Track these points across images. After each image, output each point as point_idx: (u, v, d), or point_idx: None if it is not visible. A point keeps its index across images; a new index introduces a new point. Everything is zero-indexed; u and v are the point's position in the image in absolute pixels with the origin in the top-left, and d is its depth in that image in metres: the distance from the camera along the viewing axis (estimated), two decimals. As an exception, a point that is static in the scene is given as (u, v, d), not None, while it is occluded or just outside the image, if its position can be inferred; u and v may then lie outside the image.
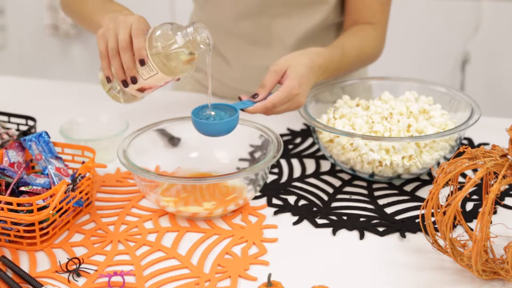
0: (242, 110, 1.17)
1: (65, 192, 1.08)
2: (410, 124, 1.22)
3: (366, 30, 1.40)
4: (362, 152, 1.19)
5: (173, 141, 1.28)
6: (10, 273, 1.03)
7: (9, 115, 1.33)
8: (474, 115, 1.22)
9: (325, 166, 1.30)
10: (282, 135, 1.40)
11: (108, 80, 1.16)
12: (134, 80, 1.14)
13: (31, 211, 1.05)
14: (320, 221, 1.14)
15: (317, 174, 1.28)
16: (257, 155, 1.27)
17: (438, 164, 1.21)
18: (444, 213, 0.98)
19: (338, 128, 1.22)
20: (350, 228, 1.12)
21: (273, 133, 1.19)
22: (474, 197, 1.19)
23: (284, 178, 1.27)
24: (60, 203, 1.08)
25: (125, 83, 1.15)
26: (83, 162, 1.17)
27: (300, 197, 1.20)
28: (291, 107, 1.20)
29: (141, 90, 1.16)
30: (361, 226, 1.12)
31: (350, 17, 1.43)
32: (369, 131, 1.22)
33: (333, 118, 1.26)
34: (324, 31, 1.47)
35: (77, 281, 1.01)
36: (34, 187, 1.10)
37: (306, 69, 1.21)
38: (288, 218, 1.15)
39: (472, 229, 1.08)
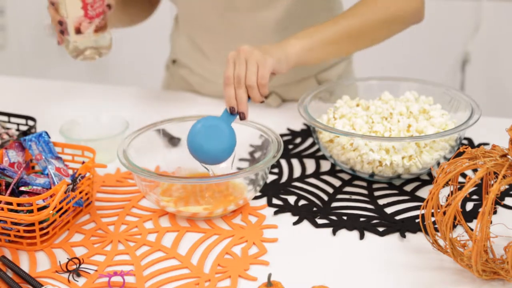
0: (231, 116, 1.16)
1: (65, 192, 1.08)
2: (410, 124, 1.22)
3: None
4: (362, 152, 1.19)
5: (173, 141, 1.28)
6: (10, 273, 1.03)
7: (9, 115, 1.33)
8: (474, 115, 1.22)
9: (325, 166, 1.30)
10: (282, 135, 1.40)
11: (58, 43, 1.29)
12: (61, 23, 1.26)
13: (31, 211, 1.05)
14: (320, 221, 1.14)
15: (317, 174, 1.28)
16: (257, 155, 1.27)
17: (438, 164, 1.21)
18: (444, 213, 0.98)
19: (338, 128, 1.22)
20: (350, 228, 1.12)
21: (273, 133, 1.19)
22: (474, 197, 1.19)
23: (284, 178, 1.27)
24: (60, 203, 1.08)
25: (62, 32, 1.27)
26: (83, 162, 1.17)
27: (300, 197, 1.20)
28: (252, 57, 1.16)
29: (78, 31, 1.27)
30: (361, 226, 1.12)
31: None
32: (369, 131, 1.22)
33: (333, 118, 1.26)
34: (299, 21, 1.44)
35: (77, 281, 1.01)
36: (34, 187, 1.10)
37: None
38: (288, 218, 1.15)
39: (472, 229, 1.08)
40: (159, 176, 1.11)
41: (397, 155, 1.18)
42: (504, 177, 0.94)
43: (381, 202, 1.19)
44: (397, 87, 1.37)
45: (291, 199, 1.20)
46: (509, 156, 0.96)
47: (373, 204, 1.18)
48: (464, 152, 1.00)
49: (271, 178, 1.26)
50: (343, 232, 1.11)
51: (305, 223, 1.14)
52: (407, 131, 1.21)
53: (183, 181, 1.15)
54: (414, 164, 1.19)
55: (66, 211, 1.11)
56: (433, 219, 1.04)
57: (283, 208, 1.17)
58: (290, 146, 1.36)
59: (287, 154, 1.34)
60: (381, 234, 1.10)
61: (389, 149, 1.19)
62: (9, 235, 1.08)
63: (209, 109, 1.52)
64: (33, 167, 1.22)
